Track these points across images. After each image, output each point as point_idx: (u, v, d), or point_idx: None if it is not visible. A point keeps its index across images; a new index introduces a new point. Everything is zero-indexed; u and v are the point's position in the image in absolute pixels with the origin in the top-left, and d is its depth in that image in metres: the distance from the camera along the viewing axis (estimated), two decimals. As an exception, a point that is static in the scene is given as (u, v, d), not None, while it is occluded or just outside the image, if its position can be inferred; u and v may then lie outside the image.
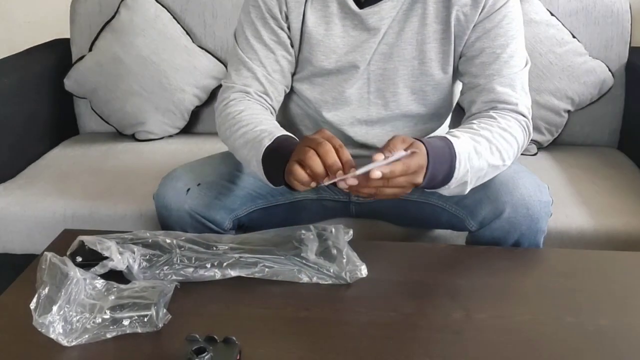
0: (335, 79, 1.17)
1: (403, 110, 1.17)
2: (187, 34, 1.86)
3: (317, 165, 0.89)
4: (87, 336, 0.80)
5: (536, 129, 1.74)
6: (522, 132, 1.09)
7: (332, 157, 0.88)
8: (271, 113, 1.16)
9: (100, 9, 1.88)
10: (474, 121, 1.07)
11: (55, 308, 0.79)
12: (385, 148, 0.89)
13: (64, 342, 0.79)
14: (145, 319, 0.82)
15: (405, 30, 1.11)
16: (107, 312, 0.82)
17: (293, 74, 1.21)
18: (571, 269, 1.01)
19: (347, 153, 0.90)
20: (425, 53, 1.12)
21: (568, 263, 1.04)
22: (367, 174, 0.86)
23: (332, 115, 1.19)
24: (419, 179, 0.91)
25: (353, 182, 0.87)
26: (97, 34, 1.86)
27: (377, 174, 0.86)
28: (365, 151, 1.21)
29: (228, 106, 1.13)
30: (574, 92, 1.74)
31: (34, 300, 0.80)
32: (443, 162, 0.95)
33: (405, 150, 0.89)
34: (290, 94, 1.24)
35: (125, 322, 0.82)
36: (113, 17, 1.85)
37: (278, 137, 1.01)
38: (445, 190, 0.99)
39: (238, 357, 0.74)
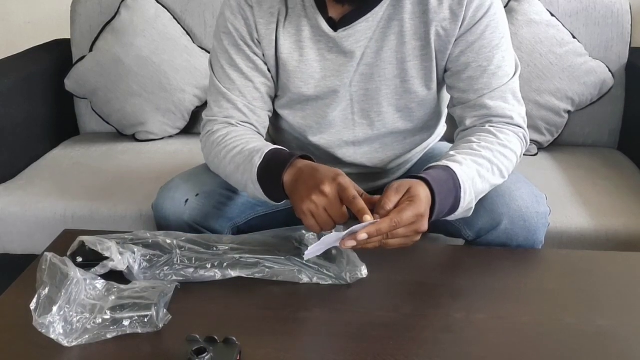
0: (316, 104, 1.14)
1: (390, 128, 1.16)
2: (188, 34, 1.87)
3: (327, 223, 0.91)
4: (87, 336, 0.80)
5: (536, 129, 1.74)
6: (520, 144, 1.08)
7: (340, 219, 0.91)
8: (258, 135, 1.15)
9: (100, 9, 1.88)
10: (473, 138, 1.05)
11: (55, 308, 0.79)
12: (380, 202, 0.89)
13: (64, 343, 0.79)
14: (146, 320, 0.82)
15: (384, 50, 1.08)
16: (108, 312, 0.82)
17: (274, 99, 1.18)
18: (571, 270, 1.01)
19: (360, 203, 0.89)
20: (407, 71, 1.09)
21: (568, 263, 1.04)
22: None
23: (318, 139, 1.18)
24: (423, 227, 0.90)
25: (351, 244, 0.87)
26: (97, 34, 1.86)
27: (362, 236, 0.86)
28: (355, 169, 1.21)
29: (212, 134, 1.12)
30: (574, 92, 1.74)
31: (34, 300, 0.80)
32: (449, 196, 0.94)
33: (402, 197, 0.89)
34: (276, 117, 1.22)
35: (126, 323, 0.82)
36: (113, 17, 1.85)
37: (267, 152, 1.00)
38: (450, 217, 0.99)
39: (238, 358, 0.74)
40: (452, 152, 1.02)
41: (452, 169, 0.96)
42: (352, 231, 0.87)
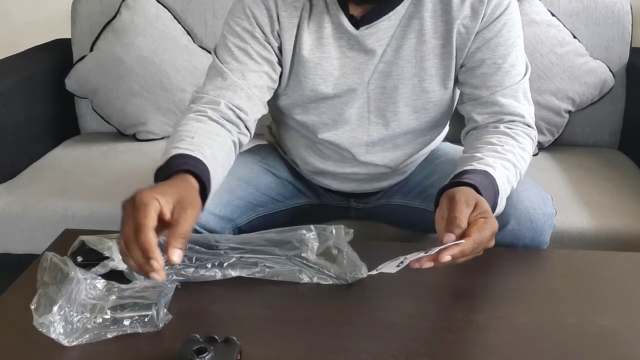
0: (332, 102, 1.13)
1: (404, 129, 1.15)
2: (188, 34, 1.87)
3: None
4: (87, 336, 0.80)
5: (537, 129, 1.72)
6: (532, 146, 1.09)
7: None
8: (231, 133, 1.04)
9: (101, 9, 1.88)
10: (494, 140, 1.04)
11: (55, 308, 0.79)
12: (452, 219, 0.85)
13: (65, 342, 0.79)
14: (146, 319, 0.82)
15: (404, 48, 1.08)
16: (108, 312, 0.82)
17: (276, 99, 1.16)
18: (572, 270, 1.00)
19: (145, 238, 0.74)
20: (425, 70, 1.09)
21: (569, 264, 1.04)
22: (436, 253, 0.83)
23: (330, 135, 1.16)
24: (493, 243, 0.88)
25: (429, 265, 0.82)
26: (98, 34, 1.86)
27: (447, 258, 0.81)
28: (363, 169, 1.21)
29: (184, 115, 1.05)
30: (574, 92, 1.74)
31: (35, 300, 0.80)
32: (489, 202, 0.92)
33: (472, 212, 0.86)
34: (281, 114, 1.21)
35: (126, 322, 0.82)
36: (114, 17, 1.85)
37: (168, 159, 0.92)
38: None
39: (238, 357, 0.74)
40: (478, 155, 1.01)
41: (491, 175, 0.95)
42: (431, 252, 0.83)
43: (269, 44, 1.09)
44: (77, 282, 0.84)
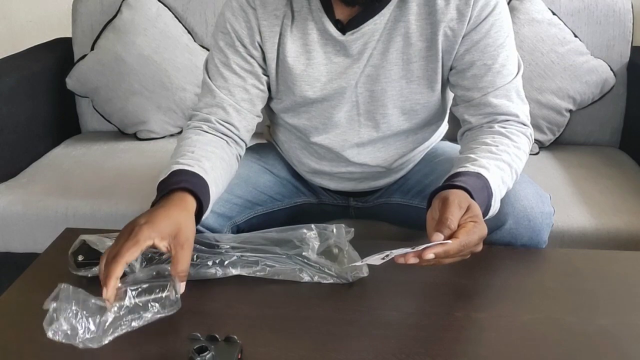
0: (321, 106, 1.14)
1: (395, 130, 1.16)
2: (189, 32, 1.87)
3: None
4: (112, 331, 0.78)
5: (538, 128, 1.74)
6: (529, 145, 1.09)
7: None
8: (228, 144, 1.10)
9: (102, 8, 1.89)
10: (488, 140, 1.04)
11: (68, 316, 0.77)
12: (443, 220, 0.85)
13: (94, 345, 0.76)
14: (165, 301, 0.81)
15: (390, 51, 1.08)
16: (133, 298, 0.80)
17: (270, 102, 1.18)
18: (572, 269, 1.00)
19: (114, 267, 0.80)
20: (412, 72, 1.09)
21: (569, 263, 1.03)
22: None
23: (322, 139, 1.17)
24: (480, 247, 0.87)
25: (414, 261, 0.83)
26: (98, 33, 1.87)
27: (430, 256, 0.81)
28: (358, 168, 1.21)
29: (183, 132, 1.11)
30: (575, 91, 1.74)
31: (47, 317, 0.76)
32: (482, 205, 0.92)
33: (463, 216, 0.86)
34: (276, 118, 1.22)
35: (147, 314, 0.80)
36: (115, 16, 1.85)
37: (170, 173, 0.96)
38: None
39: (239, 356, 0.74)
40: (473, 156, 1.01)
41: (485, 177, 0.95)
42: (418, 249, 0.83)
43: (251, 56, 1.11)
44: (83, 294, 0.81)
